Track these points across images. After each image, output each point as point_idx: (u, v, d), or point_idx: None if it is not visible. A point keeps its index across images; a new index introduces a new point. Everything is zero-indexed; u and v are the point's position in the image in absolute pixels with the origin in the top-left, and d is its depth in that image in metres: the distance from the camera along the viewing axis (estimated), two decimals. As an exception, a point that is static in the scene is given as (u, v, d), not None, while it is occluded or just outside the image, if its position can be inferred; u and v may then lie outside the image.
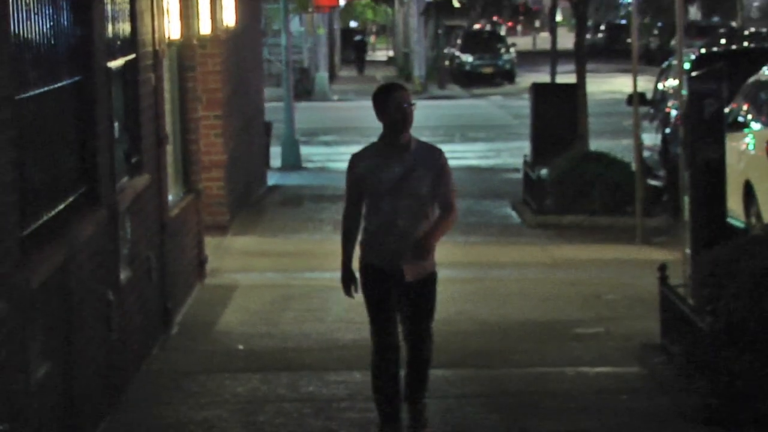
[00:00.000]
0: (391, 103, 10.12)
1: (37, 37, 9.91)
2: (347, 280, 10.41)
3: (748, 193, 17.68)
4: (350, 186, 10.46)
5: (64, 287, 9.79)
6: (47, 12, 10.20)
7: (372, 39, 78.82)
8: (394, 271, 10.15)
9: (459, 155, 29.55)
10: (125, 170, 12.63)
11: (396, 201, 10.12)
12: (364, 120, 41.84)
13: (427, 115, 41.47)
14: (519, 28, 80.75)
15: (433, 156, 10.29)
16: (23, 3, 9.40)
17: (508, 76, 58.27)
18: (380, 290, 10.21)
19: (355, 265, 10.51)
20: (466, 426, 10.54)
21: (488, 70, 59.02)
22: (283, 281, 16.91)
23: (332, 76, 59.36)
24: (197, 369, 12.67)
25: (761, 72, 19.24)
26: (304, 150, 30.84)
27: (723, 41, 37.37)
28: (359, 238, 10.40)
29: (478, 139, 34.06)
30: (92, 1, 11.16)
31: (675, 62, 19.93)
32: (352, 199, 10.41)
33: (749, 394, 10.33)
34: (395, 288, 10.20)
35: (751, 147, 17.84)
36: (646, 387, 11.88)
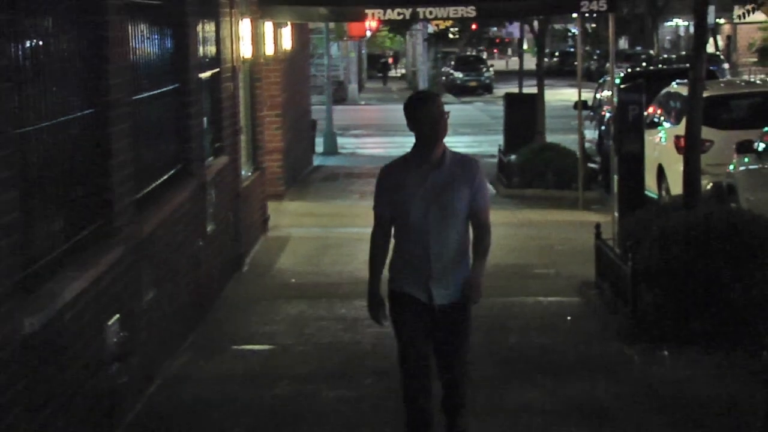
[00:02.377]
0: (421, 114, 6.98)
1: (148, 55, 9.98)
2: (374, 305, 7.17)
3: (660, 174, 17.65)
4: (379, 203, 7.25)
5: (167, 235, 9.83)
6: (155, 38, 10.26)
7: (390, 61, 78.47)
8: (426, 297, 7.02)
9: (452, 145, 29.16)
10: (210, 153, 12.67)
11: (429, 220, 6.96)
12: (384, 119, 42.02)
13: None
14: (495, 54, 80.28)
15: (470, 170, 7.08)
16: (138, 30, 9.46)
17: (488, 89, 57.96)
18: (411, 322, 7.06)
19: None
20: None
21: (473, 83, 58.68)
22: (322, 234, 16.91)
23: (360, 87, 59.18)
24: (261, 296, 12.69)
25: (670, 86, 19.22)
26: (340, 140, 30.82)
27: (643, 64, 37.13)
28: (389, 258, 7.24)
29: (465, 133, 33.90)
30: (187, 29, 11.16)
31: (608, 79, 19.90)
32: (381, 216, 7.21)
33: (657, 318, 10.32)
34: (426, 316, 7.05)
35: (663, 140, 17.80)
36: (584, 312, 11.88)
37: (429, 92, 7.79)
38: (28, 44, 6.64)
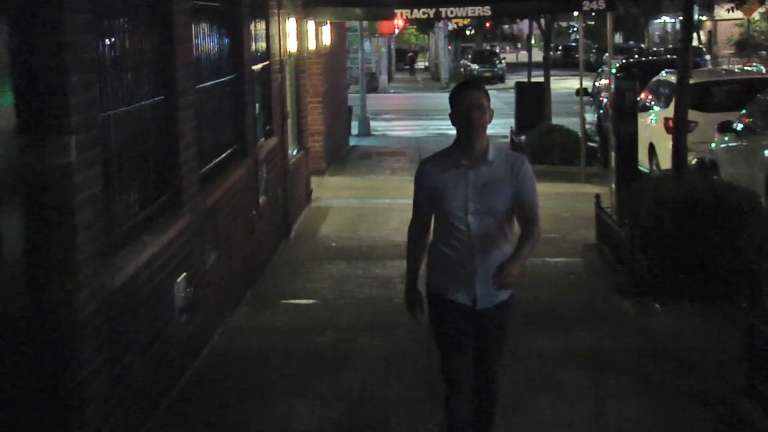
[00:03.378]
0: (457, 103, 5.75)
1: (209, 50, 10.00)
2: (412, 299, 6.06)
3: (651, 151, 17.61)
4: (417, 198, 6.01)
5: (226, 206, 9.87)
6: (215, 35, 10.28)
7: (416, 55, 78.44)
8: (470, 300, 5.85)
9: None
10: (262, 134, 12.69)
11: (470, 218, 5.74)
12: (410, 105, 42.00)
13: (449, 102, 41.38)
14: (507, 48, 79.91)
15: (515, 165, 5.83)
16: (201, 29, 9.49)
17: (501, 78, 57.54)
18: (452, 327, 5.90)
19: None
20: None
21: (488, 74, 58.20)
22: (359, 205, 16.90)
23: (390, 78, 58.95)
24: (306, 259, 12.70)
25: (660, 75, 19.17)
26: (372, 123, 30.77)
27: (636, 56, 36.93)
28: (426, 258, 6.07)
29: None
30: (242, 28, 11.17)
31: (606, 69, 19.79)
32: (419, 210, 6.02)
33: (651, 276, 10.32)
34: (470, 321, 5.90)
35: (654, 122, 17.75)
36: (587, 271, 11.87)
37: (472, 81, 6.18)
38: (108, 41, 6.69)
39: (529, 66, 30.13)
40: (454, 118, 5.76)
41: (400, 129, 31.59)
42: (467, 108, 5.64)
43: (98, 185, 5.99)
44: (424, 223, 5.99)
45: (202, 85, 9.24)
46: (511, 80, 44.35)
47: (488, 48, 68.61)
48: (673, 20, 62.82)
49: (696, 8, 12.49)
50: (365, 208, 16.53)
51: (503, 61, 62.83)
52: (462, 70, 61.02)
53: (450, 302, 5.86)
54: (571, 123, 23.11)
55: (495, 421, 6.20)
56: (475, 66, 60.29)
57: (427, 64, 75.75)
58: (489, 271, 5.67)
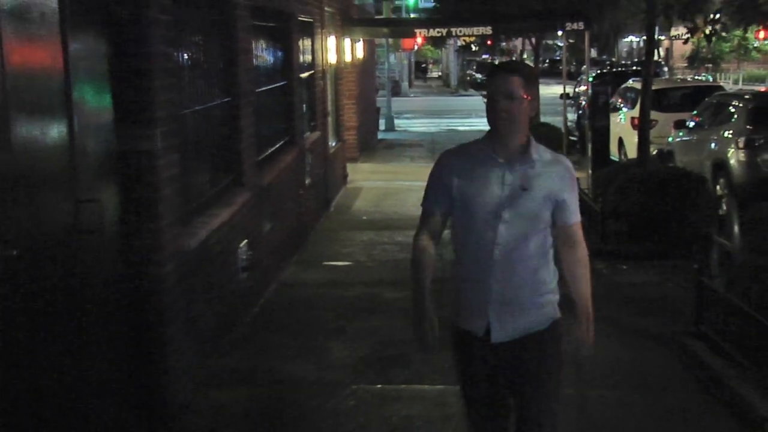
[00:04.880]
0: (488, 90, 3.72)
1: (265, 60, 10.00)
2: (421, 325, 3.70)
3: (620, 143, 17.53)
4: (431, 196, 3.83)
5: (278, 186, 9.90)
6: (270, 49, 10.29)
7: (431, 66, 78.16)
8: (480, 329, 3.71)
9: (473, 125, 29.27)
10: (308, 129, 12.71)
11: (499, 230, 3.64)
12: (426, 106, 41.77)
13: (458, 104, 41.23)
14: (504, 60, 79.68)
15: (557, 169, 3.73)
16: (259, 44, 9.50)
17: (499, 85, 57.30)
18: (472, 370, 3.80)
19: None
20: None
21: (488, 81, 58.05)
22: (384, 185, 16.89)
23: (410, 84, 58.73)
24: (342, 228, 12.70)
25: (627, 82, 19.09)
26: (396, 121, 30.66)
27: (608, 67, 36.73)
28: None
29: (482, 116, 33.63)
30: (292, 43, 11.19)
31: (584, 77, 19.72)
32: (430, 212, 3.83)
33: (619, 242, 10.32)
34: (489, 355, 3.73)
35: (622, 120, 17.65)
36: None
37: (510, 63, 3.88)
38: (185, 53, 6.72)
39: (522, 75, 29.97)
40: (486, 110, 3.75)
41: (419, 126, 31.47)
42: (491, 96, 3.67)
43: (177, 167, 6.03)
44: (433, 229, 3.82)
45: (259, 90, 9.28)
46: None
47: (489, 60, 68.22)
48: (638, 39, 62.36)
49: (656, 29, 12.49)
50: (389, 188, 16.52)
51: (501, 71, 62.39)
52: (468, 78, 60.75)
53: (467, 333, 3.75)
54: (556, 121, 23.02)
55: None
56: (478, 75, 59.90)
57: (440, 73, 75.38)
58: (511, 294, 3.66)
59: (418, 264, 3.81)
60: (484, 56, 69.04)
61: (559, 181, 3.71)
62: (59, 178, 4.55)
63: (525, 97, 3.63)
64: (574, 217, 3.79)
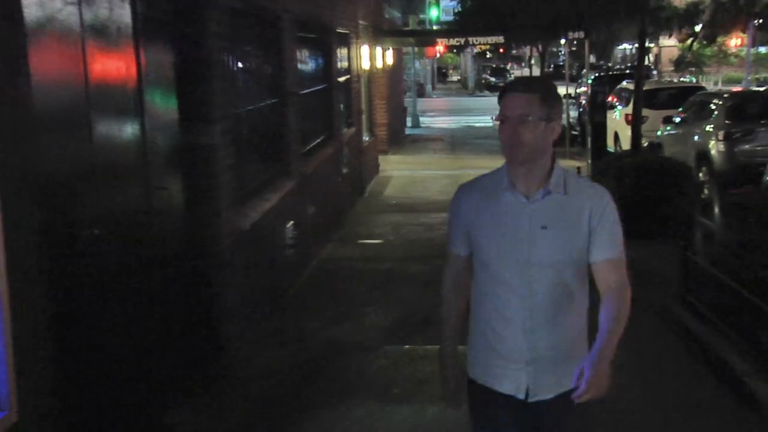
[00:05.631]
0: (500, 113, 2.62)
1: (307, 66, 9.98)
2: (446, 378, 2.82)
3: (616, 137, 17.34)
4: (452, 236, 2.85)
5: (319, 174, 9.90)
6: (312, 56, 10.27)
7: (451, 71, 77.81)
8: (516, 389, 2.66)
9: (487, 122, 29.11)
10: (345, 126, 12.70)
11: (522, 272, 2.60)
12: (447, 106, 41.56)
13: (475, 103, 40.98)
14: (515, 65, 79.12)
15: (591, 201, 2.64)
16: (303, 52, 9.49)
17: (509, 87, 56.80)
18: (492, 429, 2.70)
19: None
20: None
21: (501, 84, 57.21)
22: (411, 174, 16.84)
23: (433, 87, 58.52)
24: (375, 211, 12.65)
25: (622, 83, 18.92)
26: (421, 118, 30.50)
27: (605, 71, 36.43)
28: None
29: (495, 113, 33.43)
30: (331, 51, 11.18)
31: (584, 79, 19.56)
32: (451, 252, 2.87)
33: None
34: (520, 416, 2.67)
35: (618, 116, 17.45)
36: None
37: (523, 79, 2.82)
38: (239, 60, 6.73)
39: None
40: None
41: (441, 123, 31.32)
42: (501, 119, 2.70)
43: (233, 158, 6.05)
44: (460, 268, 2.91)
45: (303, 92, 9.28)
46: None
47: (502, 65, 67.80)
48: (631, 46, 61.78)
49: (647, 38, 12.52)
50: (415, 176, 16.47)
51: (512, 74, 62.10)
52: (483, 81, 60.40)
53: (489, 391, 2.79)
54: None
55: None
56: (492, 78, 59.56)
57: (459, 77, 75.01)
58: (552, 349, 2.74)
59: (445, 308, 2.94)
60: (500, 63, 68.61)
61: (590, 216, 2.71)
62: (134, 168, 4.59)
63: (541, 117, 2.66)
64: (604, 253, 2.71)
